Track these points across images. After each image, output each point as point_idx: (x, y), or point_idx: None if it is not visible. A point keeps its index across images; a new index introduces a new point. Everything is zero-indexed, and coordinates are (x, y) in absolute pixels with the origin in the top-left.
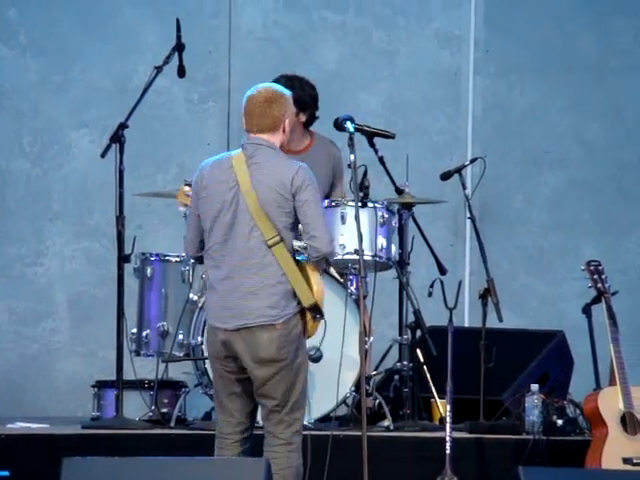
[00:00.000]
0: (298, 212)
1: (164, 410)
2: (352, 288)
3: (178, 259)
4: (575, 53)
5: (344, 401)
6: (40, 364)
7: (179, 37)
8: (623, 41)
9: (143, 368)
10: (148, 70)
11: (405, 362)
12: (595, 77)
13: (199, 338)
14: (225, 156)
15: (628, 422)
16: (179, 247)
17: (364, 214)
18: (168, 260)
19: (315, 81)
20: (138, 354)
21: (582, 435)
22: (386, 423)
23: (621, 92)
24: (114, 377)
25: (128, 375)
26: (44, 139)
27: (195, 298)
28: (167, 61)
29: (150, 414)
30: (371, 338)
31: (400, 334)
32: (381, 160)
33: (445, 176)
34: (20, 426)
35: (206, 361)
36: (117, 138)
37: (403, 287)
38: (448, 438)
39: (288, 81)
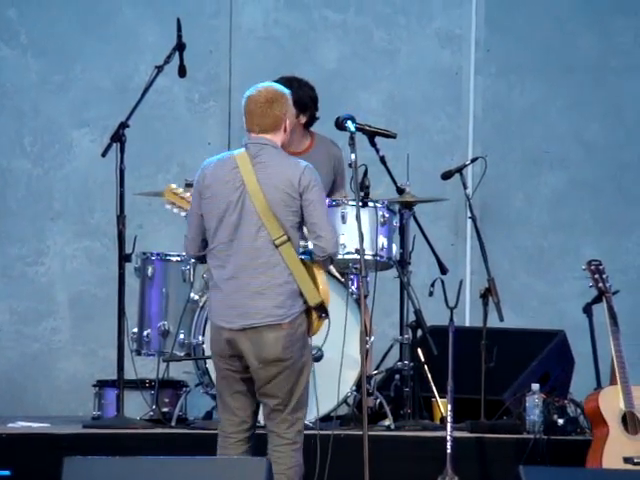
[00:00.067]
0: (304, 212)
1: (165, 409)
2: (353, 287)
3: (179, 258)
4: (575, 53)
5: (345, 400)
6: (41, 363)
7: (180, 37)
8: (623, 41)
9: (144, 367)
10: (148, 70)
11: (406, 361)
12: (595, 77)
13: (200, 337)
14: (228, 156)
15: (629, 421)
16: (180, 246)
17: (365, 214)
18: (169, 259)
19: (316, 80)
20: (139, 353)
21: (583, 435)
22: (387, 422)
23: (621, 92)
24: (115, 376)
25: (129, 374)
26: (45, 139)
27: (196, 297)
28: (168, 61)
29: (151, 413)
30: (372, 337)
31: (401, 333)
32: (382, 160)
33: (446, 175)
34: (21, 425)
35: (207, 360)
36: (118, 137)
37: (404, 286)
38: (449, 437)
39: (287, 83)
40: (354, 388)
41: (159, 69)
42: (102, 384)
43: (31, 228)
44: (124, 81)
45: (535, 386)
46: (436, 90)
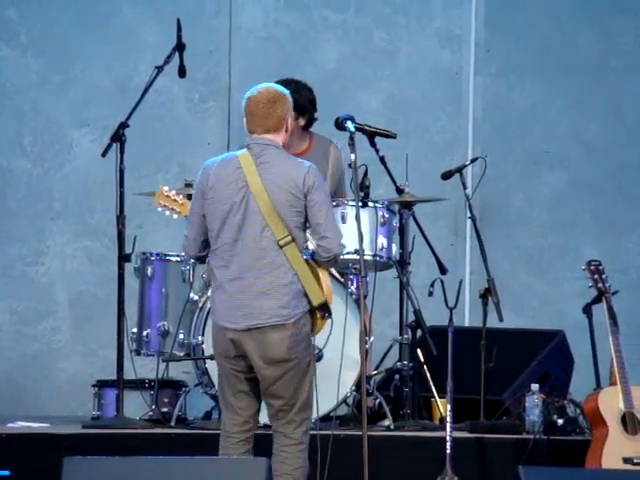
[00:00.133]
0: (309, 212)
1: (164, 409)
2: (352, 288)
3: (179, 259)
4: (575, 53)
5: (344, 401)
6: (41, 363)
7: (180, 37)
8: (623, 41)
9: (143, 367)
10: (148, 70)
11: (405, 362)
12: (595, 77)
13: (199, 338)
14: (231, 156)
15: (628, 422)
16: (179, 247)
17: (365, 214)
18: (169, 260)
19: (316, 80)
20: (139, 353)
21: (582, 435)
22: (386, 423)
23: (621, 92)
24: (115, 376)
25: (129, 374)
26: (45, 139)
27: (196, 298)
28: (168, 61)
29: (150, 413)
30: (371, 338)
31: (400, 334)
32: (382, 160)
33: (446, 176)
34: (21, 425)
35: (206, 360)
36: (118, 137)
37: (403, 287)
38: (448, 438)
39: (285, 85)
40: (354, 388)
41: (159, 69)
42: (102, 384)
43: (31, 228)
44: (124, 81)
45: (535, 386)
46: (436, 90)
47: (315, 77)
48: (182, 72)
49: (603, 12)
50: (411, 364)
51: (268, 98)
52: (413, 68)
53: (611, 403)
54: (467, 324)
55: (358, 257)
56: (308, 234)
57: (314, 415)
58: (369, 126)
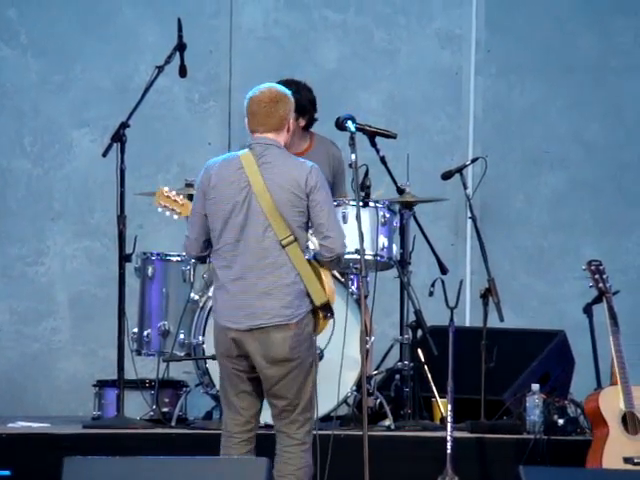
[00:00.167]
0: (311, 212)
1: (165, 409)
2: (353, 287)
3: (179, 258)
4: (575, 53)
5: (345, 401)
6: (41, 363)
7: (180, 37)
8: (623, 41)
9: (144, 367)
10: (149, 70)
11: (406, 362)
12: (595, 77)
13: (200, 337)
14: (233, 156)
15: (629, 422)
16: (180, 247)
17: (365, 214)
18: (169, 259)
19: (316, 80)
20: (139, 353)
21: (583, 435)
22: (387, 423)
23: (621, 92)
24: (115, 376)
25: (129, 374)
26: (45, 139)
27: (196, 298)
28: (168, 61)
29: (151, 413)
30: (372, 338)
31: (401, 334)
32: (382, 160)
33: (446, 176)
34: (21, 425)
35: (207, 360)
36: (118, 137)
37: (404, 287)
38: (449, 438)
39: (285, 86)
40: (354, 388)
41: (159, 69)
42: (102, 384)
43: (31, 228)
44: (124, 81)
45: (535, 386)
46: (436, 90)
47: (315, 77)
48: (183, 72)
49: (603, 12)
50: (412, 364)
51: (270, 98)
52: (413, 68)
53: (612, 403)
54: (468, 324)
55: (359, 257)
56: (310, 234)
57: (315, 415)
58: (369, 126)
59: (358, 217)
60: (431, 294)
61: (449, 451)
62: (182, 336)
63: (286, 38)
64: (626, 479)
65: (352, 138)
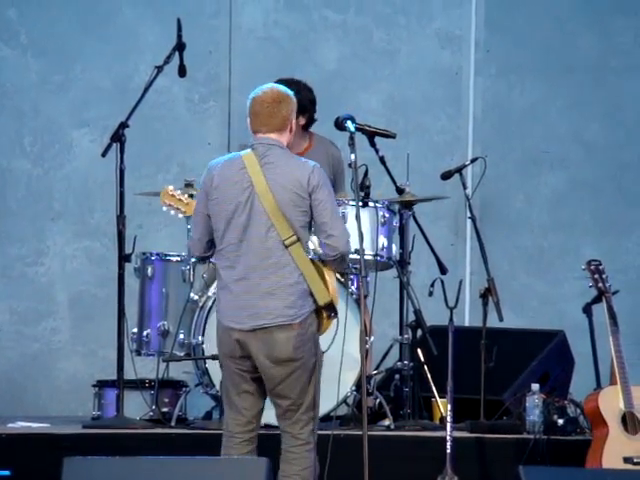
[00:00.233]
0: (314, 212)
1: (165, 409)
2: (353, 287)
3: (179, 258)
4: (575, 53)
5: (345, 400)
6: (41, 363)
7: (180, 37)
8: (623, 41)
9: (144, 368)
10: (148, 70)
11: (406, 361)
12: (595, 77)
13: (200, 337)
14: (236, 156)
15: (629, 421)
16: (180, 247)
17: (365, 214)
18: (169, 259)
19: (316, 81)
20: (139, 353)
21: (583, 435)
22: (387, 422)
23: (621, 92)
24: (115, 376)
25: (129, 375)
26: (45, 139)
27: (196, 297)
28: (168, 61)
29: (151, 413)
30: (372, 337)
31: (401, 333)
32: (382, 160)
33: (446, 176)
34: (21, 425)
35: (207, 360)
36: (118, 137)
37: (404, 286)
38: (449, 438)
39: (286, 85)
40: (354, 388)
41: (159, 69)
42: (102, 384)
43: (31, 228)
44: (124, 81)
45: (535, 386)
46: (436, 90)
47: (315, 77)
48: (182, 72)
49: (603, 12)
50: (411, 364)
51: (273, 98)
52: (413, 68)
53: (611, 403)
54: (467, 324)
55: (358, 257)
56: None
57: None
58: (369, 126)
59: (358, 217)
60: (431, 294)
61: (449, 451)
62: (182, 336)
63: (286, 38)
64: (626, 479)
65: (352, 138)
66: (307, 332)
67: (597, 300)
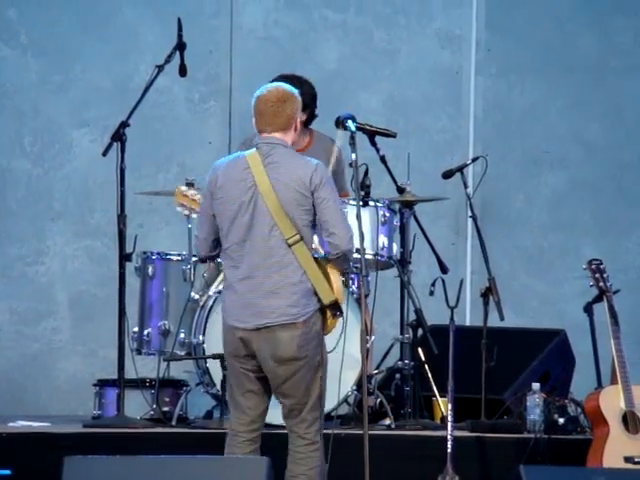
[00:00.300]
0: (317, 210)
1: (165, 409)
2: (353, 287)
3: (179, 258)
4: (575, 53)
5: (345, 400)
6: (41, 363)
7: (180, 36)
8: (623, 41)
9: (144, 367)
10: (148, 70)
11: (406, 361)
12: (595, 77)
13: (200, 337)
14: (240, 156)
15: (629, 421)
16: (180, 246)
17: (365, 213)
18: (169, 259)
19: (316, 80)
20: (139, 353)
21: (583, 434)
22: (387, 422)
23: (621, 92)
24: (115, 376)
25: (129, 374)
26: (45, 139)
27: (196, 297)
28: (168, 60)
29: (151, 413)
30: (372, 337)
31: (401, 333)
32: (382, 159)
33: (446, 175)
34: (21, 425)
35: (207, 360)
36: (118, 137)
37: (404, 286)
38: (449, 437)
39: (286, 81)
40: (354, 387)
41: (159, 69)
42: (102, 383)
43: (31, 228)
44: (124, 81)
45: (536, 385)
46: (436, 90)
47: (315, 77)
48: (183, 71)
49: (603, 12)
50: (412, 363)
51: (277, 97)
52: (413, 68)
53: (612, 402)
54: (468, 323)
55: (359, 256)
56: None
57: None
58: (369, 126)
59: (358, 216)
60: (431, 293)
61: (449, 450)
62: (182, 335)
63: (286, 38)
64: (627, 478)
65: (352, 137)
66: (311, 331)
67: (598, 299)
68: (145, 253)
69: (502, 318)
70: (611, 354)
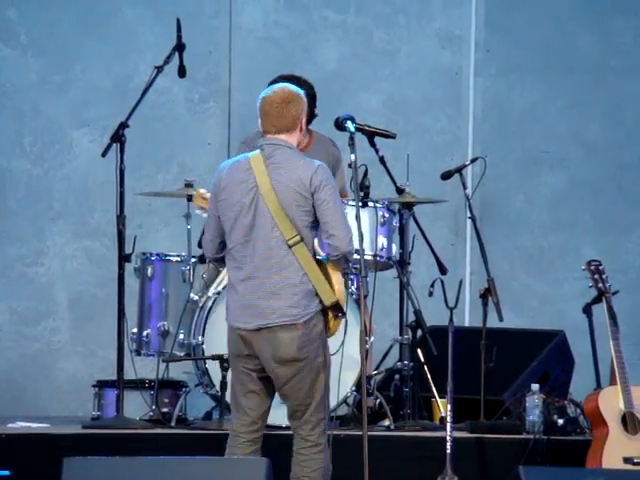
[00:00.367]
0: (317, 211)
1: (165, 410)
2: (353, 288)
3: (179, 259)
4: (575, 53)
5: (345, 401)
6: (41, 364)
7: (180, 37)
8: (623, 41)
9: (144, 368)
10: (148, 70)
11: (406, 362)
12: (595, 77)
13: (200, 338)
14: (244, 157)
15: (629, 422)
16: (180, 247)
17: (365, 214)
18: (169, 260)
19: (316, 81)
20: (139, 354)
21: (583, 435)
22: (387, 423)
23: (621, 92)
24: (115, 377)
25: (129, 375)
26: (45, 139)
27: (196, 298)
28: (168, 61)
29: (151, 414)
30: (372, 338)
31: (401, 334)
32: (382, 160)
33: (445, 176)
34: (21, 425)
35: (207, 361)
36: (118, 137)
37: (404, 287)
38: (449, 438)
39: (286, 81)
40: (354, 388)
41: (159, 69)
42: (102, 384)
43: (31, 228)
44: (124, 81)
45: (535, 386)
46: (436, 90)
47: (315, 77)
48: (182, 72)
49: (603, 12)
50: (411, 364)
51: (282, 98)
52: (413, 68)
53: (611, 403)
54: (467, 324)
55: (358, 257)
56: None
57: None
58: (369, 126)
59: (357, 217)
60: (431, 294)
61: (449, 451)
62: (182, 336)
63: (286, 38)
64: (626, 479)
65: (351, 138)
66: (312, 332)
67: (597, 300)
68: (144, 254)
69: (501, 319)
70: (610, 355)
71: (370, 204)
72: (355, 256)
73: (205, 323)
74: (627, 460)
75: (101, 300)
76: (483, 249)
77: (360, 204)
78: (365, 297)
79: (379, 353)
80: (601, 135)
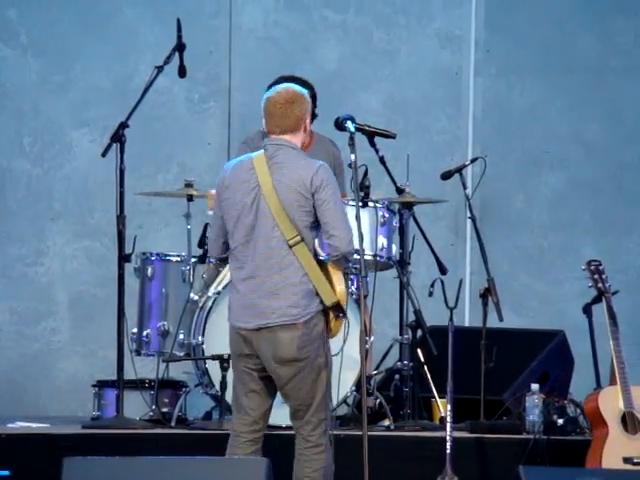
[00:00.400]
0: (318, 211)
1: (165, 410)
2: (353, 287)
3: (178, 259)
4: (575, 53)
5: (345, 400)
6: (41, 364)
7: (180, 37)
8: (623, 41)
9: (144, 368)
10: (148, 70)
11: (406, 362)
12: (595, 77)
13: (200, 338)
14: (247, 157)
15: (628, 422)
16: (180, 247)
17: (365, 214)
18: (169, 260)
19: (316, 81)
20: (139, 354)
21: (582, 435)
22: (387, 423)
23: (621, 92)
24: (115, 377)
25: (129, 375)
26: (45, 139)
27: (196, 298)
28: (168, 61)
29: (151, 414)
30: (372, 338)
31: (401, 334)
32: (382, 160)
33: (445, 176)
34: (21, 425)
35: (207, 361)
36: (118, 137)
37: (404, 287)
38: (448, 438)
39: (286, 82)
40: (354, 388)
41: (159, 69)
42: (102, 384)
43: (31, 228)
44: (124, 81)
45: (535, 386)
46: (436, 90)
47: (315, 77)
48: (182, 72)
49: (603, 12)
50: (411, 364)
51: (286, 98)
52: (413, 68)
53: (611, 403)
54: (467, 324)
55: (358, 257)
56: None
57: None
58: (369, 126)
59: (357, 217)
60: (431, 294)
61: (448, 451)
62: (181, 336)
63: (286, 38)
64: (626, 479)
65: (351, 138)
66: (312, 332)
67: (597, 300)
68: (144, 254)
69: (501, 319)
70: (610, 355)
71: (370, 204)
72: (355, 256)
73: (205, 323)
74: (627, 460)
75: (101, 300)
76: (483, 249)
77: (360, 204)
78: (365, 297)
79: (379, 353)
80: (601, 135)
